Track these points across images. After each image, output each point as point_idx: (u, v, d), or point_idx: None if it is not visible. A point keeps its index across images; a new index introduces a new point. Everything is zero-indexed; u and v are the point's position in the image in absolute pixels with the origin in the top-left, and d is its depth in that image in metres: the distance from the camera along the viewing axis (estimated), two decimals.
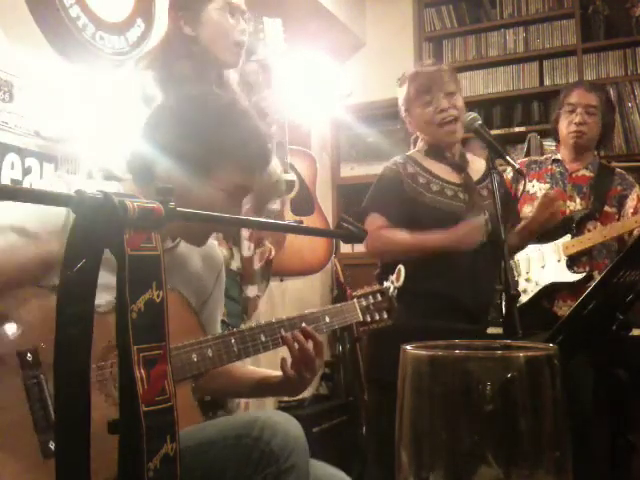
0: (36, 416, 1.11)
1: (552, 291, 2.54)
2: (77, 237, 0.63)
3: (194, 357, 1.26)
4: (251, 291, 2.09)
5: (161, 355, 0.63)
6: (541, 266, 2.58)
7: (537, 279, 2.56)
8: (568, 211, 2.60)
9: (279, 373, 1.46)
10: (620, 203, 2.62)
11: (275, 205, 2.13)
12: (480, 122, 1.96)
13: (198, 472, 1.26)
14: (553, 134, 2.81)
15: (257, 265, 2.12)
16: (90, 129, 2.39)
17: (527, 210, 2.63)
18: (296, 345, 1.41)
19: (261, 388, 1.54)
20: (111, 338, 0.69)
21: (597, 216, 2.58)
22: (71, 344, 0.64)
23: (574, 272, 2.53)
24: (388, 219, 2.16)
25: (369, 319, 1.61)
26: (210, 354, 1.29)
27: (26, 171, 2.21)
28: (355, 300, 1.60)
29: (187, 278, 1.45)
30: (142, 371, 0.61)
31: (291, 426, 1.29)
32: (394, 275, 1.65)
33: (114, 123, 2.33)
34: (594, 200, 2.60)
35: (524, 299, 2.53)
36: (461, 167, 2.25)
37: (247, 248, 2.08)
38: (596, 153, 2.78)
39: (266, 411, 1.62)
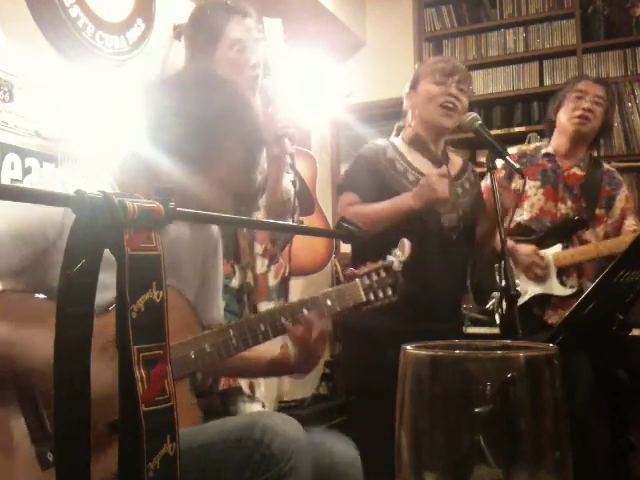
0: (32, 427, 1.11)
1: (542, 300, 2.50)
2: (77, 237, 0.63)
3: (192, 354, 1.26)
4: (265, 308, 2.06)
5: (161, 355, 0.63)
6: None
7: (526, 288, 2.50)
8: (559, 214, 2.56)
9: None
10: (609, 204, 2.59)
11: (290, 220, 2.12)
12: (480, 122, 1.95)
13: (197, 474, 1.25)
14: (548, 126, 2.71)
15: (273, 282, 2.10)
16: (90, 129, 2.39)
17: (515, 215, 2.58)
18: (297, 335, 1.40)
19: (272, 369, 1.54)
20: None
21: (588, 224, 2.54)
22: (71, 345, 0.64)
23: (563, 284, 2.49)
24: (360, 197, 2.15)
25: (373, 298, 1.55)
26: (208, 350, 1.28)
27: (26, 171, 2.21)
28: (358, 280, 1.54)
29: (180, 259, 1.44)
30: (142, 371, 0.61)
31: (292, 428, 1.28)
32: (398, 248, 1.58)
33: (114, 123, 2.33)
34: (585, 203, 2.56)
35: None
36: (441, 162, 2.24)
37: (261, 265, 2.06)
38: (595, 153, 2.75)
39: (267, 413, 1.61)
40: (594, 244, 2.50)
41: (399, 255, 1.57)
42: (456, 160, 2.35)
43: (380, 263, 1.58)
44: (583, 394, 2.21)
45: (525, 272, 2.48)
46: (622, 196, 2.61)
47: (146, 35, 2.63)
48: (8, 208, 1.17)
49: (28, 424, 1.11)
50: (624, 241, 2.41)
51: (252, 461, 1.23)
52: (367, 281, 1.54)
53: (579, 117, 2.52)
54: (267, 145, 1.94)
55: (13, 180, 2.19)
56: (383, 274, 1.56)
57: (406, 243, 1.58)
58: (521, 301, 2.48)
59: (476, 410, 0.45)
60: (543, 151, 2.66)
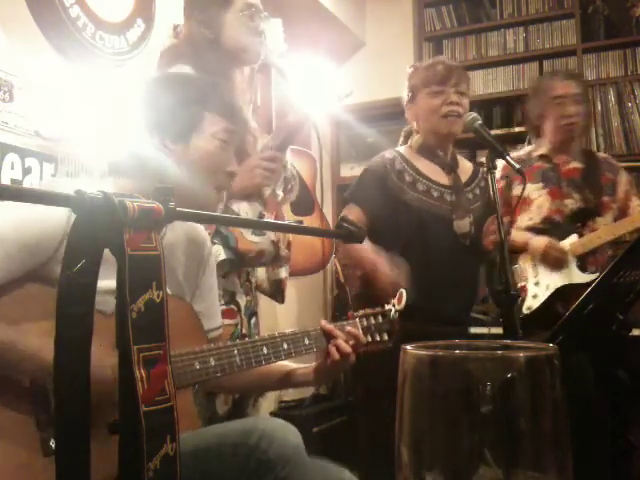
0: (39, 414, 1.12)
1: (565, 294, 2.47)
2: (77, 237, 0.63)
3: (196, 365, 1.26)
4: (283, 273, 2.10)
5: (161, 355, 0.63)
6: (550, 269, 2.52)
7: (547, 283, 2.49)
8: (567, 210, 2.56)
9: (305, 366, 1.51)
10: (612, 190, 2.62)
11: (278, 191, 2.13)
12: (480, 122, 1.95)
13: (193, 478, 1.25)
14: (534, 131, 2.70)
15: (283, 248, 2.14)
16: (90, 129, 2.39)
17: (524, 219, 2.59)
18: (337, 354, 1.45)
19: (289, 381, 1.55)
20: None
21: (598, 211, 2.56)
22: (71, 344, 0.64)
23: (585, 272, 2.49)
24: (365, 212, 2.16)
25: (370, 339, 1.60)
26: (212, 363, 1.28)
27: (26, 171, 2.21)
28: (357, 320, 1.58)
29: (176, 269, 1.43)
30: (142, 371, 0.61)
31: (289, 434, 1.28)
32: (395, 298, 1.64)
33: (114, 123, 2.33)
34: (591, 193, 2.57)
35: (535, 304, 2.47)
36: (451, 168, 2.26)
37: (274, 233, 2.08)
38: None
39: (265, 418, 1.61)
40: (607, 226, 2.52)
41: (396, 304, 1.63)
42: (466, 166, 2.36)
43: (378, 309, 1.63)
44: (583, 394, 2.21)
45: (543, 259, 2.46)
46: (623, 180, 2.65)
47: (146, 35, 2.63)
48: (11, 218, 1.14)
49: (35, 409, 1.11)
50: (636, 218, 2.49)
51: (248, 467, 1.23)
52: (365, 322, 1.59)
53: (567, 125, 2.55)
54: (283, 112, 1.97)
55: (13, 180, 2.18)
56: (380, 319, 1.62)
57: (404, 293, 1.64)
58: (543, 297, 2.49)
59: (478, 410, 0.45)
60: (536, 154, 2.66)
